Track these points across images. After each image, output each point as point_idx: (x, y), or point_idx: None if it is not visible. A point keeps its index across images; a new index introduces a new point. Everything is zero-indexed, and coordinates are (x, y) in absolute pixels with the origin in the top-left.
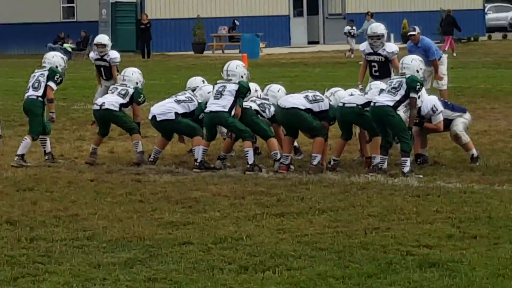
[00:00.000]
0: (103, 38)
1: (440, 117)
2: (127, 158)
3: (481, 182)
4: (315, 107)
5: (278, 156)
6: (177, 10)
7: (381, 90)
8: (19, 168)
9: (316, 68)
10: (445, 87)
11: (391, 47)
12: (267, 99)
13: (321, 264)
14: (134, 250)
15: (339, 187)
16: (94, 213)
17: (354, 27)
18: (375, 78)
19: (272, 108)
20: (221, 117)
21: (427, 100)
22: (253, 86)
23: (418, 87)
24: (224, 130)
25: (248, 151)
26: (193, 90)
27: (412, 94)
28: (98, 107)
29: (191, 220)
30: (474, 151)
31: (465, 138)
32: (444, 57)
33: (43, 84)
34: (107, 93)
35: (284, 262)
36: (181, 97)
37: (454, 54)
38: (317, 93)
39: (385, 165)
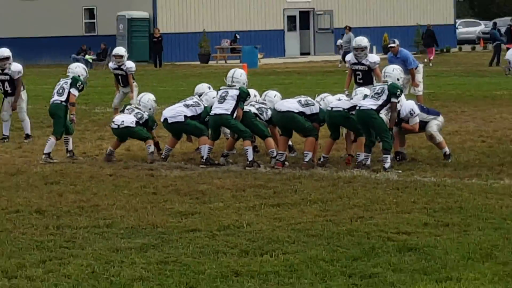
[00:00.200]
0: (120, 50)
1: (417, 119)
2: (141, 155)
3: (453, 176)
4: (307, 111)
5: (274, 153)
6: (185, 25)
7: (365, 96)
8: (46, 164)
9: (307, 76)
10: (421, 93)
11: (373, 57)
12: (265, 104)
13: (312, 249)
14: (148, 236)
15: (328, 181)
16: (112, 203)
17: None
18: (360, 85)
19: (269, 112)
20: (224, 119)
21: (406, 105)
22: (252, 92)
23: (398, 93)
24: (227, 130)
25: (248, 149)
26: (200, 96)
27: (393, 99)
28: (116, 126)
29: (198, 210)
30: (447, 149)
31: (439, 138)
32: (420, 66)
33: (66, 91)
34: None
35: (280, 247)
36: (189, 101)
37: (430, 64)
38: (309, 98)
39: (368, 162)
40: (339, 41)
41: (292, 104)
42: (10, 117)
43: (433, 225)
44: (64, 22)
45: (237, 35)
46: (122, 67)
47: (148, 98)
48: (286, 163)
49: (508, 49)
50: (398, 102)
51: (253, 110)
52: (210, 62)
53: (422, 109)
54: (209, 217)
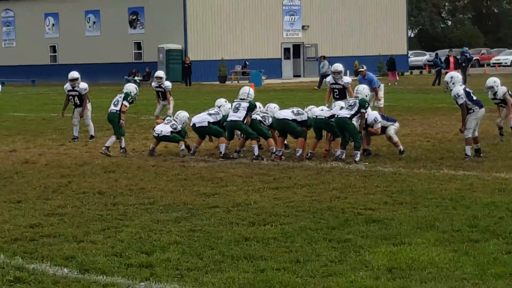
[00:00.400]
0: (160, 73)
1: (379, 125)
2: (176, 151)
3: (405, 167)
4: (298, 118)
5: (274, 150)
6: (208, 54)
7: (341, 107)
8: (106, 156)
9: (299, 93)
10: (382, 105)
11: (347, 79)
12: (267, 113)
13: (302, 221)
14: (181, 211)
15: (313, 170)
16: (154, 187)
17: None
18: (337, 99)
19: (270, 119)
20: (237, 124)
21: (371, 114)
22: (257, 104)
23: (366, 105)
24: (239, 132)
25: (254, 146)
26: (219, 107)
27: (362, 110)
28: (156, 135)
29: (218, 192)
30: (401, 147)
31: (395, 138)
32: (382, 85)
33: (120, 103)
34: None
35: (278, 219)
36: (211, 111)
37: (396, 83)
38: (299, 109)
39: (343, 156)
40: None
41: (287, 113)
42: (78, 123)
43: (391, 203)
44: (119, 52)
45: (246, 62)
46: (161, 86)
47: (184, 115)
48: (283, 157)
49: (446, 73)
50: (366, 112)
51: (258, 118)
52: (227, 82)
53: (383, 117)
54: (225, 197)
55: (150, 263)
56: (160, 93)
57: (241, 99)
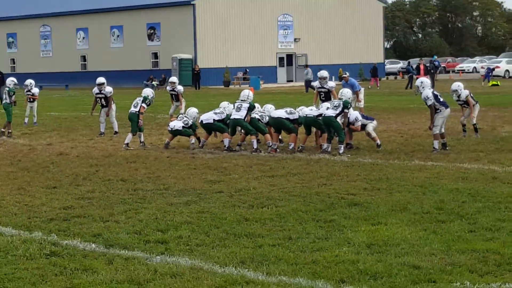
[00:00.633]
0: (173, 78)
1: (359, 123)
2: (187, 144)
3: (382, 158)
4: (291, 117)
5: (270, 144)
6: (214, 63)
7: (327, 108)
8: (127, 150)
9: (290, 95)
10: (362, 106)
11: (331, 84)
12: (264, 112)
13: (294, 204)
14: (191, 195)
15: (304, 161)
16: (168, 175)
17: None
18: (323, 101)
19: (267, 117)
20: (239, 122)
21: (353, 114)
22: (256, 105)
23: (349, 106)
24: (240, 129)
25: (253, 141)
26: (224, 108)
27: (345, 110)
28: (170, 129)
29: (222, 179)
30: (379, 141)
31: (373, 134)
32: (362, 89)
33: (139, 105)
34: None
35: (273, 202)
36: (217, 110)
37: (378, 88)
38: (292, 109)
39: (329, 149)
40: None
41: (281, 113)
42: (105, 121)
43: (369, 189)
44: (139, 61)
45: (247, 69)
46: (175, 89)
47: (193, 111)
48: (278, 150)
49: (417, 78)
50: (348, 112)
51: (257, 116)
52: (230, 86)
53: (363, 116)
54: (229, 184)
55: (165, 240)
56: (173, 95)
57: (242, 100)
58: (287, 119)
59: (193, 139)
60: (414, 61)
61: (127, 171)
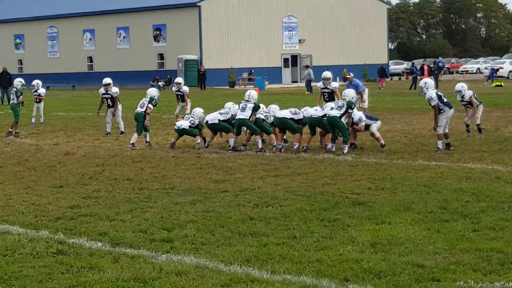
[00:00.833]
0: (179, 79)
1: (363, 123)
2: (192, 144)
3: (386, 158)
4: (295, 117)
5: (275, 143)
6: (219, 64)
7: (332, 108)
8: (133, 150)
9: (295, 96)
10: (366, 106)
11: (334, 84)
12: (269, 112)
13: (298, 203)
14: (196, 195)
15: (308, 161)
16: (174, 174)
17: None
18: (327, 101)
19: (272, 118)
20: (244, 122)
21: (357, 114)
22: (261, 105)
23: (353, 106)
24: (246, 129)
25: (258, 141)
26: (229, 108)
27: (350, 110)
28: (177, 127)
29: (227, 179)
30: (383, 141)
31: (377, 134)
32: (366, 90)
33: (145, 105)
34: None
35: (278, 202)
36: (222, 111)
37: (382, 89)
38: (296, 109)
39: (333, 149)
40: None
41: (285, 113)
42: (111, 121)
43: (373, 188)
44: (145, 61)
45: (252, 70)
46: (180, 90)
47: (199, 111)
48: (282, 150)
49: (421, 79)
50: (352, 112)
51: (262, 116)
52: (235, 87)
53: (367, 116)
54: (234, 183)
55: (170, 238)
56: (179, 96)
57: (246, 100)
58: (292, 119)
59: (198, 139)
60: (418, 62)
61: (133, 170)
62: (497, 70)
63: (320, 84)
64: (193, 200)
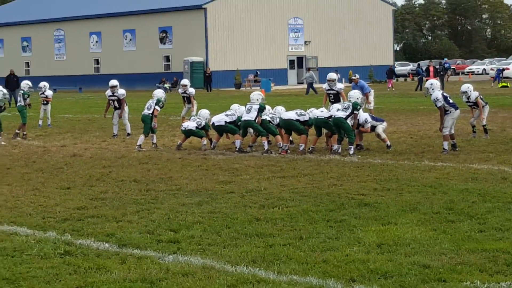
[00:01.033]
0: (185, 81)
1: (369, 125)
2: (198, 146)
3: (392, 159)
4: (301, 118)
5: (281, 145)
6: (225, 65)
7: (338, 109)
8: (140, 152)
9: (301, 97)
10: (372, 108)
11: (339, 85)
12: (275, 114)
13: (304, 204)
14: (203, 196)
15: (314, 162)
16: (180, 176)
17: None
18: (332, 103)
19: (278, 119)
20: (250, 123)
21: (362, 116)
22: (267, 107)
23: (358, 108)
24: (251, 130)
25: (264, 142)
26: (234, 110)
27: (355, 112)
28: (183, 128)
29: (233, 180)
30: (388, 142)
31: (383, 135)
32: (372, 91)
33: (152, 107)
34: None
35: (284, 203)
36: (228, 112)
37: (394, 89)
38: (302, 110)
39: (339, 150)
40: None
41: (291, 114)
42: (117, 122)
43: (379, 189)
44: (151, 63)
45: (258, 71)
46: (186, 92)
47: (205, 112)
48: (288, 151)
49: (427, 80)
50: (358, 113)
51: (268, 118)
52: (241, 89)
53: (372, 118)
54: (240, 184)
55: (177, 239)
56: (185, 98)
57: (252, 102)
58: (298, 120)
59: (204, 141)
60: (423, 63)
61: (139, 172)
62: (503, 70)
63: (325, 86)
64: (200, 201)
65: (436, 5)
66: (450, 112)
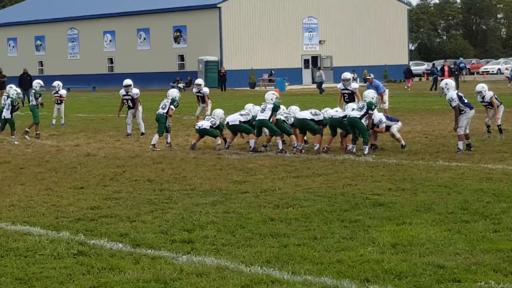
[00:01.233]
0: (199, 80)
1: (383, 125)
2: (213, 145)
3: (407, 159)
4: (316, 118)
5: (295, 145)
6: (240, 65)
7: (353, 109)
8: (154, 151)
9: (316, 97)
10: (387, 107)
11: (354, 85)
12: (289, 114)
13: (319, 204)
14: (217, 196)
15: (329, 161)
16: (195, 175)
17: (355, 74)
18: (347, 102)
19: (292, 119)
20: (264, 123)
21: (377, 115)
22: (281, 106)
23: (373, 107)
24: (266, 130)
25: (279, 142)
26: (249, 110)
27: (370, 112)
28: (198, 128)
29: (248, 180)
30: (403, 142)
31: (398, 135)
32: (387, 90)
33: (167, 107)
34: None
35: (299, 203)
36: (242, 112)
37: (409, 89)
38: (317, 110)
39: (354, 150)
40: (350, 75)
41: (306, 114)
42: (131, 122)
43: (394, 189)
44: (165, 63)
45: (272, 71)
46: (201, 91)
47: (220, 111)
48: (303, 151)
49: (442, 80)
50: (373, 113)
51: (282, 117)
52: (256, 88)
53: (387, 118)
54: (254, 184)
55: (191, 239)
56: (199, 97)
57: (267, 101)
58: (312, 120)
59: (219, 140)
60: (438, 63)
61: (153, 171)
62: None
63: (340, 85)
64: (214, 201)
65: (451, 4)
66: (465, 112)
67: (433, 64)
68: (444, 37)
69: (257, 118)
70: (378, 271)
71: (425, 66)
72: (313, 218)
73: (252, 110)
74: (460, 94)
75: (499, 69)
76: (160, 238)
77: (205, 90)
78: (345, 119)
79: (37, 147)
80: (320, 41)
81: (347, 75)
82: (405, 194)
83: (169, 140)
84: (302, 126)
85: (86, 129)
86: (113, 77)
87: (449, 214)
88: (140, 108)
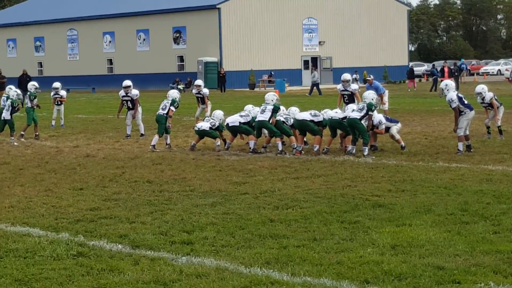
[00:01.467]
0: (199, 81)
1: (383, 126)
2: (212, 146)
3: (407, 160)
4: (315, 119)
5: (295, 146)
6: (240, 66)
7: (353, 110)
8: (153, 152)
9: (315, 98)
10: (387, 108)
11: (354, 86)
12: (289, 115)
13: (318, 205)
14: (216, 197)
15: (329, 163)
16: (194, 176)
17: (357, 75)
18: (347, 104)
19: (292, 120)
20: (264, 124)
21: (377, 117)
22: (281, 107)
23: (373, 108)
24: (266, 131)
25: (278, 143)
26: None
27: (370, 113)
28: (197, 129)
29: (247, 181)
30: (403, 143)
31: (397, 136)
32: (386, 91)
33: (167, 107)
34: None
35: (298, 204)
36: (242, 113)
37: (415, 89)
38: (316, 111)
39: (353, 151)
40: (354, 76)
41: (305, 115)
42: (131, 123)
43: (394, 190)
44: (165, 64)
45: (272, 72)
46: (200, 92)
47: (219, 113)
48: (302, 152)
49: (441, 81)
50: (373, 114)
51: (282, 118)
52: (255, 89)
53: (387, 119)
54: (254, 185)
55: (190, 241)
56: (199, 98)
57: (267, 103)
58: (312, 121)
59: (218, 141)
60: (438, 64)
61: (153, 173)
62: None
63: (339, 87)
64: (213, 202)
65: (451, 5)
66: (465, 113)
67: (433, 65)
68: (444, 38)
69: (256, 119)
70: (378, 273)
71: (425, 67)
72: (312, 219)
73: (251, 111)
74: (460, 95)
75: (499, 70)
76: (159, 239)
77: (205, 91)
78: (344, 120)
79: (36, 148)
80: (320, 42)
81: (346, 76)
82: (405, 195)
83: (168, 141)
84: (302, 127)
85: (85, 130)
86: (112, 78)
87: (449, 216)
88: (139, 109)
